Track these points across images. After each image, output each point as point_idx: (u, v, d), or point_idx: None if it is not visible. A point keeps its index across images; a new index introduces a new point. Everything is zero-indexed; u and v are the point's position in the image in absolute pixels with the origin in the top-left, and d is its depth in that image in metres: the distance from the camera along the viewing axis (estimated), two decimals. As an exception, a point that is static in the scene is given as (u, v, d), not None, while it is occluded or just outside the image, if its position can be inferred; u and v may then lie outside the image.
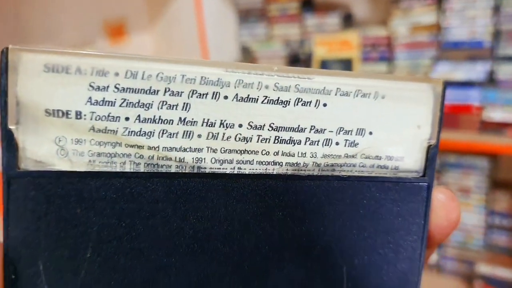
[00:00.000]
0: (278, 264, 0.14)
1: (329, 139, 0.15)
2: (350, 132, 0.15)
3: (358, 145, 0.15)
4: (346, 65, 1.26)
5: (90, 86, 0.13)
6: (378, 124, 0.15)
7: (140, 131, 0.13)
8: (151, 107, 0.13)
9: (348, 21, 1.32)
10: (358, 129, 0.15)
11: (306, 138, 0.15)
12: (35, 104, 0.12)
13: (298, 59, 1.37)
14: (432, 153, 0.16)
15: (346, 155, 0.15)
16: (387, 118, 0.15)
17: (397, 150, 0.16)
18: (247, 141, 0.14)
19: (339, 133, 0.15)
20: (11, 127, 0.12)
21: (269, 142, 0.14)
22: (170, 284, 0.13)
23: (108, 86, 0.13)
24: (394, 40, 1.21)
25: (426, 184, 0.16)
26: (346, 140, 0.15)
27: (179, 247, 0.13)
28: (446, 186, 0.17)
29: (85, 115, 0.13)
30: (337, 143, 0.15)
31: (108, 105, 0.13)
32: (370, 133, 0.15)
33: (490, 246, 1.15)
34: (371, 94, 0.15)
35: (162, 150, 0.14)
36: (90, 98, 0.13)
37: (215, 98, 0.13)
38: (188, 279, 0.13)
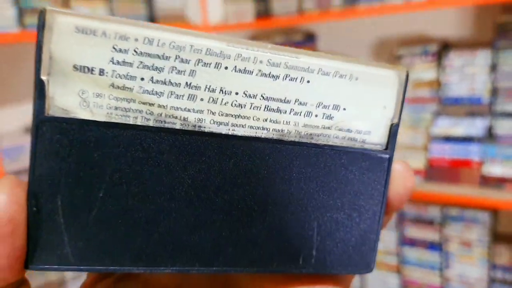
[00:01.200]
0: (261, 215, 0.17)
1: (310, 111, 0.17)
2: (327, 106, 0.17)
3: (333, 118, 0.17)
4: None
5: (113, 48, 0.15)
6: (351, 102, 0.17)
7: (152, 91, 0.15)
8: (163, 71, 0.15)
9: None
10: (334, 105, 0.17)
11: (291, 109, 0.17)
12: (65, 59, 0.14)
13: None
14: (394, 130, 0.18)
15: (323, 126, 0.17)
16: (359, 98, 0.17)
17: (365, 125, 0.18)
18: (241, 107, 0.16)
19: (318, 107, 0.17)
20: (43, 77, 0.14)
21: (259, 109, 0.16)
22: (169, 224, 0.16)
23: (128, 49, 0.15)
24: (396, 95, 1.25)
25: (388, 156, 0.18)
26: (324, 113, 0.17)
27: (179, 194, 0.16)
28: (403, 160, 0.19)
29: (107, 72, 0.15)
30: (316, 115, 0.17)
31: (127, 66, 0.15)
32: (344, 109, 0.17)
33: (493, 300, 1.15)
34: (347, 75, 0.17)
35: (169, 109, 0.15)
36: (112, 58, 0.15)
37: (217, 67, 0.16)
38: (185, 221, 0.16)
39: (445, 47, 1.21)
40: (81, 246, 0.15)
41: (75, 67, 0.14)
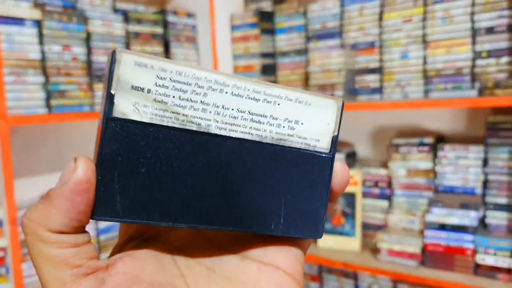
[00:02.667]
0: (246, 191, 0.24)
1: (279, 124, 0.24)
2: (291, 121, 0.24)
3: (294, 129, 0.24)
4: (350, 198, 1.36)
5: (157, 76, 0.22)
6: (306, 118, 0.24)
7: (179, 105, 0.22)
8: (187, 93, 0.22)
9: (352, 158, 1.44)
10: (295, 120, 0.24)
11: (267, 121, 0.24)
12: (126, 81, 0.21)
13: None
14: (335, 139, 0.25)
15: (288, 134, 0.24)
16: (311, 117, 0.25)
17: (316, 135, 0.25)
18: (235, 118, 0.23)
19: (285, 121, 0.24)
20: (112, 92, 0.21)
21: (247, 121, 0.23)
22: (186, 192, 0.22)
23: (166, 77, 0.22)
24: (394, 180, 1.32)
25: (331, 156, 0.25)
26: (289, 126, 0.24)
27: (193, 172, 0.23)
28: (341, 160, 0.28)
29: (152, 91, 0.22)
30: (283, 127, 0.24)
31: (165, 88, 0.22)
32: (302, 123, 0.24)
33: None
34: (303, 102, 0.24)
35: (189, 117, 0.22)
36: (156, 83, 0.22)
37: (220, 92, 0.23)
38: (196, 191, 0.23)
39: (440, 140, 1.30)
40: (127, 205, 0.22)
41: (132, 87, 0.21)
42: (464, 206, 1.16)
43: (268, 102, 0.24)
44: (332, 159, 0.25)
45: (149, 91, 0.21)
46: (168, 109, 0.22)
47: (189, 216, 0.23)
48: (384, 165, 1.40)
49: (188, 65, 0.22)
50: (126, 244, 0.25)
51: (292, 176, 0.25)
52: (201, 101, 0.22)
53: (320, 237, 0.26)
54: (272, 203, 0.24)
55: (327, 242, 1.37)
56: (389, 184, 1.33)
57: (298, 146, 0.25)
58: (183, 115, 0.22)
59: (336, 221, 1.37)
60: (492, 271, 1.13)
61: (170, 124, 0.22)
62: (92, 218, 0.21)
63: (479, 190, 1.21)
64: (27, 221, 0.21)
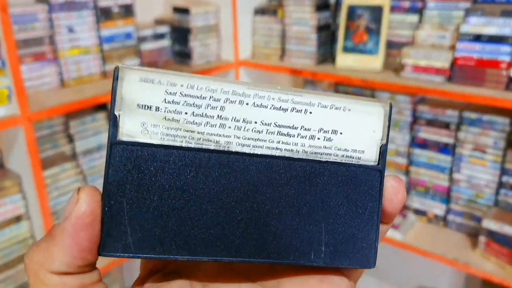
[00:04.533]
0: (278, 217, 0.21)
1: (313, 135, 0.22)
2: (327, 131, 0.22)
3: (332, 141, 0.22)
4: (375, 12, 1.24)
5: (166, 91, 0.20)
6: (346, 127, 0.22)
7: (193, 122, 0.20)
8: (201, 107, 0.20)
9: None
10: (332, 129, 0.22)
11: (298, 133, 0.21)
12: (131, 100, 0.19)
13: (327, 4, 1.35)
14: (383, 149, 0.22)
15: (324, 146, 0.22)
16: (353, 124, 0.22)
17: (360, 146, 0.22)
18: (259, 133, 0.21)
19: (320, 132, 0.22)
20: (116, 113, 0.19)
21: (274, 134, 0.21)
22: (206, 222, 0.20)
23: (176, 92, 0.20)
24: (428, -10, 1.19)
25: (380, 169, 0.22)
26: (325, 136, 0.22)
27: (213, 198, 0.20)
28: (394, 174, 0.23)
29: (161, 109, 0.20)
30: (318, 138, 0.22)
31: (175, 104, 0.20)
32: (341, 133, 0.22)
33: (499, 203, 1.16)
34: (341, 107, 0.22)
35: (206, 135, 0.20)
36: (165, 99, 0.20)
37: (240, 104, 0.21)
38: (218, 219, 0.20)
39: None
40: (139, 238, 0.20)
41: (138, 105, 0.20)
42: (506, 13, 1.05)
43: (297, 111, 0.21)
44: (381, 173, 0.22)
45: (158, 108, 0.20)
46: (181, 128, 0.20)
47: (211, 247, 0.20)
48: (418, -23, 1.26)
49: (201, 77, 0.20)
50: (146, 278, 0.23)
51: (332, 196, 0.22)
52: (218, 115, 0.20)
53: (372, 266, 0.22)
54: (310, 229, 0.21)
55: (346, 61, 1.28)
56: (422, -4, 1.20)
57: (338, 160, 0.22)
58: (199, 132, 0.20)
59: (359, 38, 1.27)
60: (525, 86, 1.05)
61: (184, 144, 0.20)
62: (99, 255, 0.19)
63: (524, 0, 1.08)
64: (28, 262, 0.19)
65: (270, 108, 0.21)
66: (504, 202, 1.16)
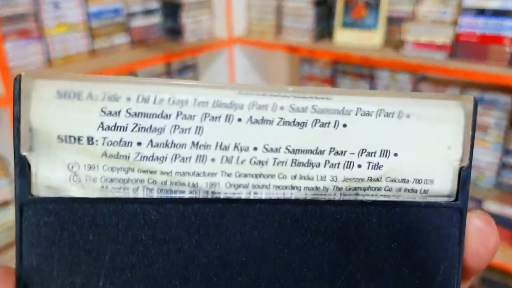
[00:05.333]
0: None
1: (351, 161, 0.14)
2: (373, 154, 0.14)
3: (382, 167, 0.15)
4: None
5: (102, 111, 0.13)
6: (404, 144, 0.15)
7: (152, 156, 0.13)
8: (163, 132, 0.13)
9: None
10: (382, 150, 0.15)
11: (326, 160, 0.14)
12: (47, 130, 0.13)
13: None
14: (465, 175, 0.15)
15: (369, 178, 0.15)
16: (414, 138, 0.15)
17: (426, 172, 0.15)
18: (262, 165, 0.14)
19: (361, 155, 0.14)
20: (24, 153, 0.13)
21: (285, 165, 0.14)
22: None
23: (120, 111, 0.13)
24: (430, -38, 1.13)
25: (459, 208, 0.15)
26: (369, 162, 0.14)
27: (194, 276, 0.13)
28: (482, 211, 0.16)
29: (97, 140, 0.13)
30: (359, 166, 0.14)
31: (120, 130, 0.13)
32: (395, 154, 0.15)
33: (501, 185, 1.13)
34: (394, 113, 0.14)
35: (175, 175, 0.14)
36: (102, 123, 0.13)
37: (228, 121, 0.14)
38: None
39: None
40: None
41: (59, 137, 0.13)
42: (511, -14, 1.00)
43: (322, 124, 0.14)
44: (462, 212, 0.15)
45: (91, 140, 0.13)
46: (134, 167, 0.13)
47: None
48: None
49: (158, 81, 0.13)
50: None
51: (384, 254, 0.14)
52: (193, 142, 0.13)
53: None
54: None
55: (345, 37, 1.24)
56: (424, -32, 1.15)
57: (391, 197, 0.14)
58: (163, 173, 0.13)
59: (357, 13, 1.22)
60: (530, 62, 1.01)
61: (141, 195, 0.13)
62: None
63: (530, -29, 1.03)
64: None
65: (278, 124, 0.14)
66: (505, 184, 1.12)
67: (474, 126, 0.16)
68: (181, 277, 0.13)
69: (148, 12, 1.31)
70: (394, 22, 1.21)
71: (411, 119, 0.15)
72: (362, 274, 0.14)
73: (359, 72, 1.30)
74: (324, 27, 1.32)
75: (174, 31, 1.35)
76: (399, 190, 0.15)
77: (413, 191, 0.15)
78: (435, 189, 0.15)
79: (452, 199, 0.15)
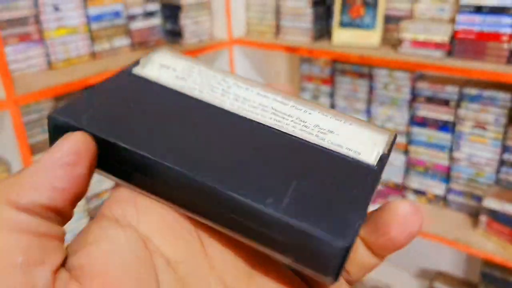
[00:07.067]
0: (250, 158, 0.19)
1: (307, 126, 0.21)
2: (323, 129, 0.21)
3: (325, 136, 0.20)
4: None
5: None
6: (344, 132, 0.21)
7: (199, 88, 0.22)
8: (210, 83, 0.22)
9: None
10: (328, 130, 0.21)
11: (292, 120, 0.21)
12: (156, 62, 0.23)
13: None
14: (383, 157, 0.20)
15: (317, 135, 0.20)
16: (351, 133, 0.20)
17: (356, 147, 0.20)
18: (255, 108, 0.21)
19: (315, 127, 0.21)
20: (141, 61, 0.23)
21: (268, 113, 0.21)
22: (180, 133, 0.19)
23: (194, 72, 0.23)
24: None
25: (375, 171, 0.19)
26: (318, 131, 0.20)
27: (198, 123, 0.20)
28: (410, 201, 0.18)
29: (175, 70, 0.23)
30: (311, 132, 0.20)
31: (190, 75, 0.23)
32: (338, 134, 0.20)
33: (500, 181, 1.13)
34: (342, 120, 0.21)
35: (206, 94, 0.22)
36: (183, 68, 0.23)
37: (245, 90, 0.22)
38: (193, 135, 0.19)
39: None
40: (97, 117, 0.19)
41: (161, 65, 0.23)
42: (508, -17, 1.00)
43: (297, 109, 0.21)
44: (378, 175, 0.19)
45: (174, 70, 0.22)
46: (187, 85, 0.22)
47: (175, 155, 0.18)
48: None
49: (216, 69, 0.23)
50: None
51: (316, 167, 0.19)
52: (222, 89, 0.22)
53: (343, 244, 0.16)
54: (278, 180, 0.18)
55: (343, 36, 1.24)
56: (421, -33, 1.15)
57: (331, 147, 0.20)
58: (201, 92, 0.22)
59: (355, 12, 1.22)
60: (528, 59, 1.01)
61: (187, 92, 0.21)
62: (49, 117, 0.19)
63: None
64: None
65: (272, 100, 0.22)
66: (505, 180, 1.12)
67: (394, 141, 0.21)
68: (190, 123, 0.20)
69: (148, 15, 1.31)
70: (392, 20, 1.22)
71: (352, 125, 0.21)
72: (294, 166, 0.19)
73: (358, 71, 1.30)
74: (322, 27, 1.32)
75: (174, 33, 1.36)
76: (335, 149, 0.20)
77: (346, 154, 0.20)
78: (360, 158, 0.20)
79: (372, 164, 0.19)
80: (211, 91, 0.21)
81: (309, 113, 0.21)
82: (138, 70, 0.22)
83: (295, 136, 0.20)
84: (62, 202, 0.16)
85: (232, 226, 0.18)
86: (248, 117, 0.21)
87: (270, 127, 0.20)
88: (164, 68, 0.22)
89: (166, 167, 0.18)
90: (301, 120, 0.21)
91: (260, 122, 0.21)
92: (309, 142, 0.20)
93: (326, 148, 0.20)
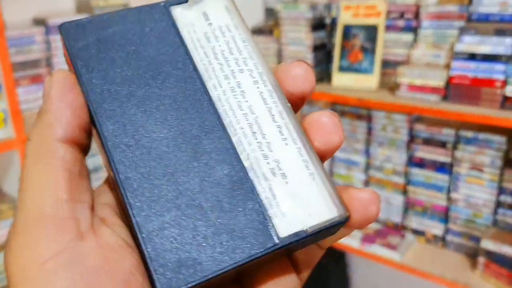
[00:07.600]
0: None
1: (266, 159, 0.19)
2: (276, 168, 0.19)
3: (272, 177, 0.18)
4: (370, 31, 1.24)
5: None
6: (296, 183, 0.18)
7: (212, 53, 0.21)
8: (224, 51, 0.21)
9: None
10: (282, 173, 0.19)
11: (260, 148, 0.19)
12: (201, 9, 0.21)
13: (322, 24, 1.36)
14: (300, 237, 0.17)
15: (263, 174, 0.19)
16: (302, 189, 0.18)
17: (287, 206, 0.18)
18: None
19: (271, 163, 0.19)
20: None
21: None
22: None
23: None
24: (422, 9, 1.19)
25: (278, 243, 0.17)
26: (269, 168, 0.19)
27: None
28: (333, 112, 0.19)
29: (210, 22, 0.21)
30: (261, 166, 0.19)
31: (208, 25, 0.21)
32: (286, 183, 0.18)
33: (498, 223, 1.15)
34: (310, 169, 0.19)
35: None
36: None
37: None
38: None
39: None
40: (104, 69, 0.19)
41: (203, 14, 0.21)
42: (500, 32, 1.05)
43: (280, 132, 0.19)
44: (278, 249, 0.17)
45: (210, 24, 0.21)
46: (206, 45, 0.21)
47: (119, 136, 0.18)
48: (412, -4, 1.26)
49: (252, 49, 0.21)
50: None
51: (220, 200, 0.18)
52: (229, 73, 0.20)
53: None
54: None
55: (342, 80, 1.28)
56: (416, 15, 1.21)
57: None
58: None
59: (354, 57, 1.27)
60: (521, 104, 1.05)
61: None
62: (60, 26, 0.19)
63: (517, 17, 1.08)
64: (34, 135, 0.18)
65: (266, 110, 0.20)
66: (502, 222, 1.14)
67: (339, 223, 0.18)
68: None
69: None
70: (389, 65, 1.26)
71: (315, 183, 0.18)
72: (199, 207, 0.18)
73: (357, 112, 1.34)
74: (322, 70, 1.37)
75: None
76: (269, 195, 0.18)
77: None
78: (274, 222, 0.18)
79: None
80: (214, 71, 0.20)
81: (286, 144, 0.18)
82: (177, 10, 0.21)
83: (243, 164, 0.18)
84: (85, 114, 0.18)
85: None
86: (221, 116, 0.19)
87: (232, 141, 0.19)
88: (203, 18, 0.21)
89: (108, 154, 0.18)
90: (268, 148, 0.18)
91: (226, 127, 0.19)
92: (250, 178, 0.18)
93: (256, 192, 0.18)
